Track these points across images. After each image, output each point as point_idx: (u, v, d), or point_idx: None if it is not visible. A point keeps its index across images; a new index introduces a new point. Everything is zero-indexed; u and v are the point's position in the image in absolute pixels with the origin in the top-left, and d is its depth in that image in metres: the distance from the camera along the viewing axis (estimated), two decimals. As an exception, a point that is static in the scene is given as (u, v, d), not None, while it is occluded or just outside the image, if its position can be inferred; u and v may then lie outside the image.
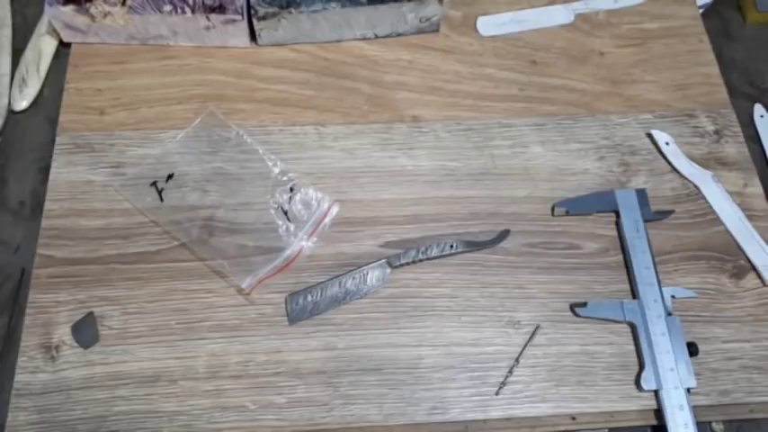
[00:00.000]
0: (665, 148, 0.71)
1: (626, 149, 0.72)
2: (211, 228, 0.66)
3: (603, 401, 0.60)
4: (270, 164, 0.69)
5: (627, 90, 0.76)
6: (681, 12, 0.81)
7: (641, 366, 0.61)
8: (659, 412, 0.59)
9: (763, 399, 0.61)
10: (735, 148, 0.72)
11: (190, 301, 0.63)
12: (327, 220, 0.67)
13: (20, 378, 0.59)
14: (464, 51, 0.77)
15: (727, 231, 0.68)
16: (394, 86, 0.75)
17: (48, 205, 0.67)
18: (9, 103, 0.75)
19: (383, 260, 0.64)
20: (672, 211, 0.68)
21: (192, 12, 0.71)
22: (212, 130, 0.71)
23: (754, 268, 0.66)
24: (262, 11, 0.71)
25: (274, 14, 0.72)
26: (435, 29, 0.78)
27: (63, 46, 0.77)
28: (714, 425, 0.63)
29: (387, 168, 0.70)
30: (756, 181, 0.71)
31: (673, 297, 0.63)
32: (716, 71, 0.77)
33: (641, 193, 0.68)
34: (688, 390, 0.59)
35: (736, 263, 0.66)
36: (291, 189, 0.67)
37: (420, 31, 0.77)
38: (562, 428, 0.60)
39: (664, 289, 0.63)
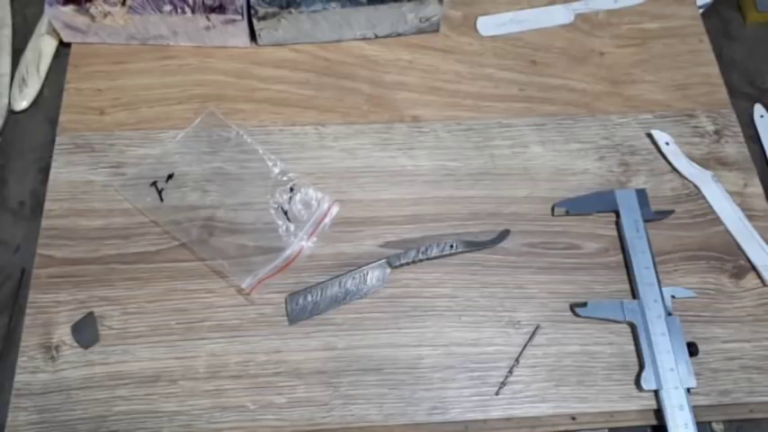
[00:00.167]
0: (665, 148, 0.71)
1: (626, 149, 0.72)
2: (211, 228, 0.66)
3: (603, 401, 0.60)
4: (270, 164, 0.69)
5: (627, 90, 0.76)
6: (681, 12, 0.81)
7: (641, 366, 0.61)
8: (659, 412, 0.59)
9: (763, 399, 0.61)
10: (735, 148, 0.72)
11: (190, 301, 0.63)
12: (327, 220, 0.67)
13: (20, 378, 0.59)
14: (464, 51, 0.77)
15: (727, 231, 0.68)
16: (394, 86, 0.75)
17: (48, 205, 0.67)
18: (9, 103, 0.75)
19: (383, 260, 0.64)
20: (672, 211, 0.68)
21: (192, 12, 0.71)
22: (212, 130, 0.71)
23: (754, 268, 0.66)
24: (262, 11, 0.71)
25: (274, 14, 0.72)
26: (435, 29, 0.78)
27: (63, 46, 0.77)
28: (714, 425, 0.63)
29: (387, 168, 0.70)
30: (756, 181, 0.71)
31: (673, 297, 0.63)
32: (716, 71, 0.77)
33: (641, 193, 0.68)
34: (688, 390, 0.59)
35: (736, 263, 0.66)
36: (291, 189, 0.67)
37: (420, 31, 0.77)
38: (562, 428, 0.60)
39: (664, 289, 0.63)
